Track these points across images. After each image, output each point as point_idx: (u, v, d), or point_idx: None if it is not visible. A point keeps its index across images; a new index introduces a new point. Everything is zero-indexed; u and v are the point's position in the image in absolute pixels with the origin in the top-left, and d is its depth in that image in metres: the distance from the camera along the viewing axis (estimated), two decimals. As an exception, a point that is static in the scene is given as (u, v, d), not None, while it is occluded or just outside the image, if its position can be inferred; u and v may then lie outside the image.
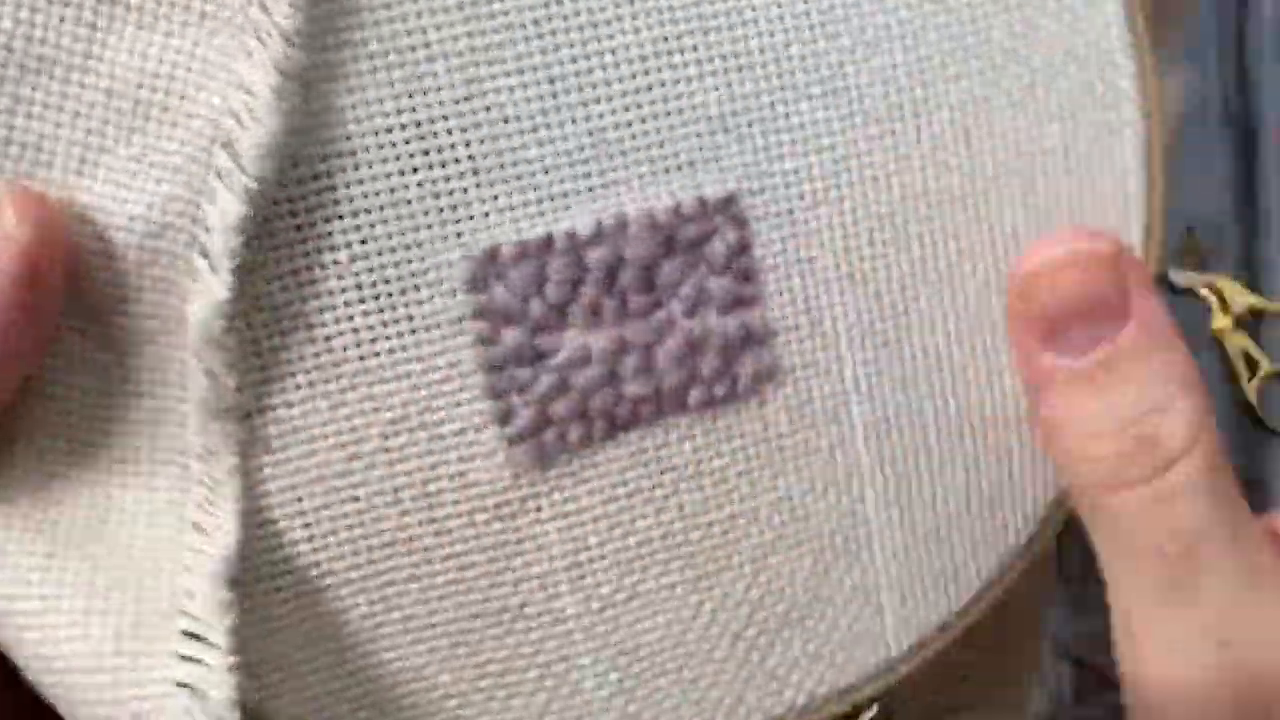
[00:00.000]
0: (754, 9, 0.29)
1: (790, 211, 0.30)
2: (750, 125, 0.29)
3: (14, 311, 0.22)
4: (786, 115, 0.30)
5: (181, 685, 0.25)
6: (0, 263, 0.23)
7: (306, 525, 0.29)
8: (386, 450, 0.29)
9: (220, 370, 0.27)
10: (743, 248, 0.29)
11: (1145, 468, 0.23)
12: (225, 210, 0.25)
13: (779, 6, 0.29)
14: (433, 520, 0.29)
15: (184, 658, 0.25)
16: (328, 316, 0.28)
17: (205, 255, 0.25)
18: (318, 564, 0.29)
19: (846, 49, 0.30)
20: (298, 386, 0.28)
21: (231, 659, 0.25)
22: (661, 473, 0.30)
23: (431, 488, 0.29)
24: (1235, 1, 0.45)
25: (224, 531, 0.27)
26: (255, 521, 0.28)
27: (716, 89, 0.29)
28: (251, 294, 0.27)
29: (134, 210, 0.26)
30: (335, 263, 0.28)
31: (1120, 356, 0.23)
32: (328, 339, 0.28)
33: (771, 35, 0.29)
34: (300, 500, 0.29)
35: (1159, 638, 0.23)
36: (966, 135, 0.30)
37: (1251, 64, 0.47)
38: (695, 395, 0.30)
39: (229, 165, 0.25)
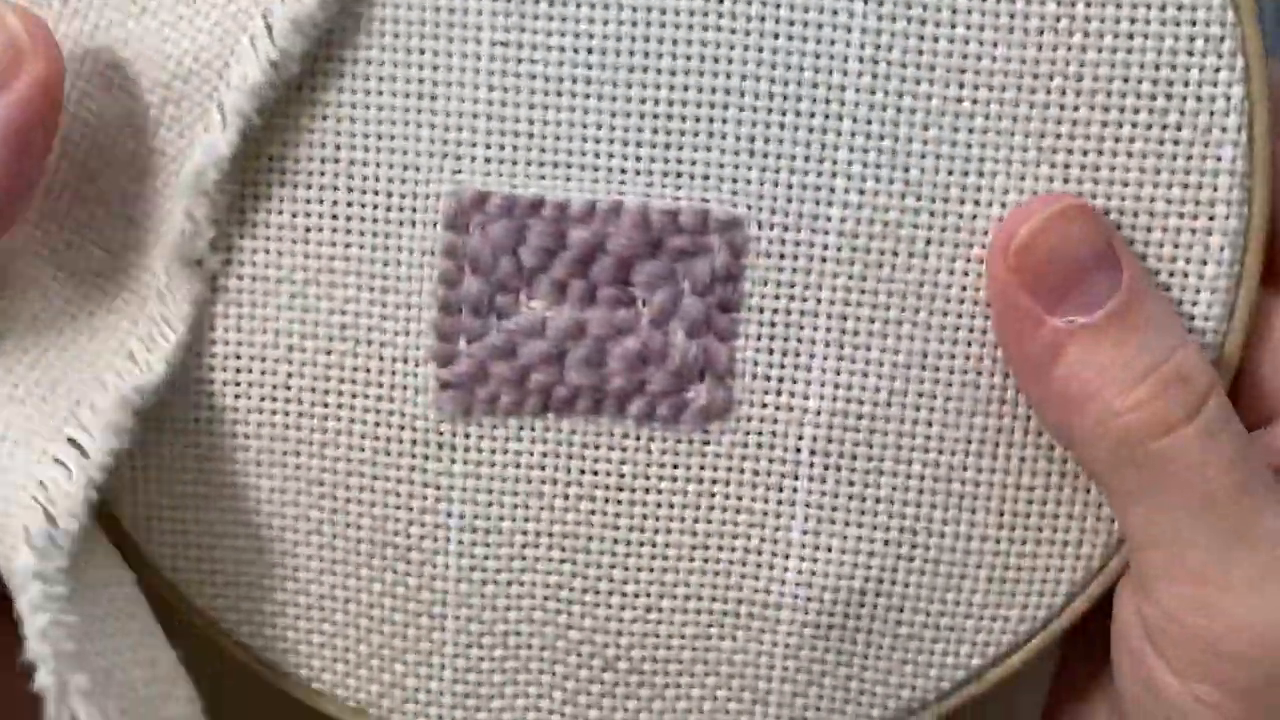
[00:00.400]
0: (818, 45, 0.28)
1: (796, 258, 0.28)
2: (780, 158, 0.28)
3: (37, 128, 0.24)
4: (822, 159, 0.28)
5: (41, 485, 0.26)
6: (20, 85, 0.23)
7: (236, 396, 0.30)
8: (328, 353, 0.29)
9: (201, 221, 0.28)
10: (731, 276, 0.27)
11: (1188, 404, 0.23)
12: (247, 73, 0.26)
13: (846, 46, 0.28)
14: (349, 434, 0.30)
15: (57, 460, 0.27)
16: (312, 208, 0.29)
17: (221, 110, 0.27)
18: (234, 435, 0.30)
19: (908, 110, 0.28)
20: (266, 265, 0.29)
21: (96, 476, 0.27)
22: (581, 471, 0.29)
23: (357, 404, 0.29)
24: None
25: (152, 370, 0.28)
26: (191, 375, 0.29)
27: (756, 110, 0.28)
28: (251, 164, 0.28)
29: (172, 50, 0.28)
30: (334, 160, 0.28)
31: (1131, 303, 0.23)
32: (306, 230, 0.29)
33: (829, 74, 0.28)
34: (237, 371, 0.30)
35: (1239, 579, 0.22)
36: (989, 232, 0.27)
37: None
38: (637, 406, 0.29)
39: (261, 32, 0.26)
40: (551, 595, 0.30)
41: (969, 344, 0.28)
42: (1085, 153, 0.27)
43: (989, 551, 0.29)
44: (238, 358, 0.30)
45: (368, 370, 0.28)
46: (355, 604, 0.31)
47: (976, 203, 0.28)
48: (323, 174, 0.28)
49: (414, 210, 0.27)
